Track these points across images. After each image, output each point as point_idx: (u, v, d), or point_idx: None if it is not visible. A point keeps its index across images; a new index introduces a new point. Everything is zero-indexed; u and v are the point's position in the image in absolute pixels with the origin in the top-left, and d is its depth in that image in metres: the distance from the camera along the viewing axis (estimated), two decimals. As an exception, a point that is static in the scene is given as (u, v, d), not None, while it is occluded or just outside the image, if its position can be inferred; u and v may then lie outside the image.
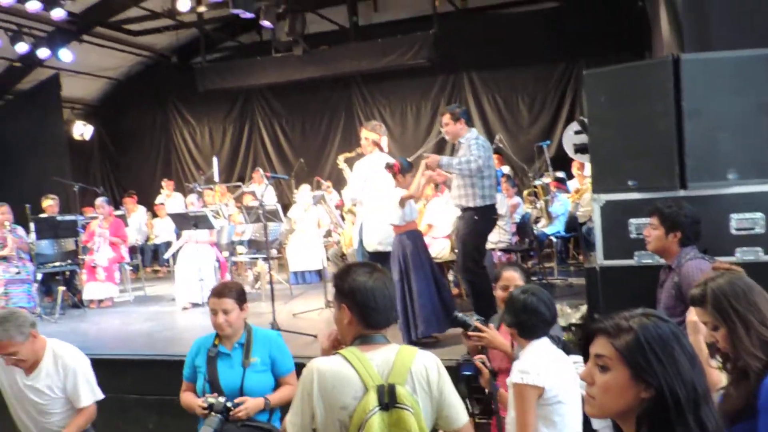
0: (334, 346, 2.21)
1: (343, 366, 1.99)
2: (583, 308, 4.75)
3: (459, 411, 2.13)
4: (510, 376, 2.76)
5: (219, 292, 3.26)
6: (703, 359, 2.71)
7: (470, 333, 3.20)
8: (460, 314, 3.33)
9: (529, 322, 2.74)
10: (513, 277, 3.40)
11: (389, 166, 5.27)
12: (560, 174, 8.98)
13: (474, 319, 3.28)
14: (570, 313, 4.73)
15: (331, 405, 1.96)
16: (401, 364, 2.01)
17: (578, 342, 3.52)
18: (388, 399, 1.94)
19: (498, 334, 3.20)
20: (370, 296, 2.05)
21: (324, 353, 2.19)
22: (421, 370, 2.03)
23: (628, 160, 3.97)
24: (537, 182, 8.89)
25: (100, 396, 3.49)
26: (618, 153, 4.01)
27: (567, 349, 3.23)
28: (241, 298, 3.28)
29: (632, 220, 3.95)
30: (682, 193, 3.83)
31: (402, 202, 5.17)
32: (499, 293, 3.45)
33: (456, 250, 5.95)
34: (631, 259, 4.01)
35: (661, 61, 3.91)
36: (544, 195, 8.65)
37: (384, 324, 2.10)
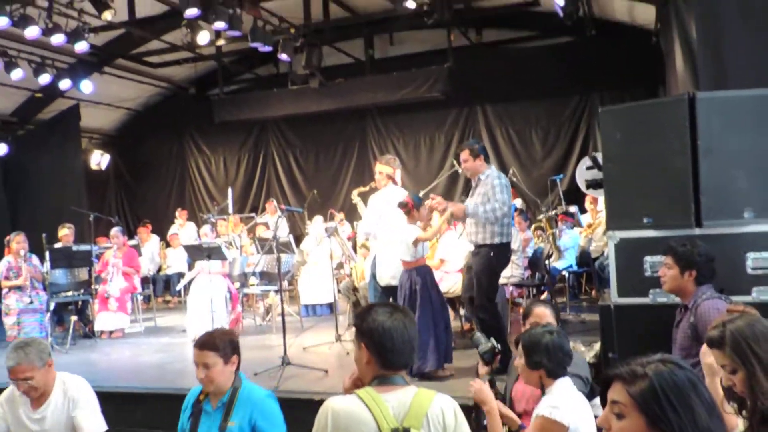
0: (356, 385, 2.19)
1: (358, 407, 1.96)
2: (597, 346, 4.66)
3: None
4: (538, 408, 2.74)
5: (202, 343, 2.97)
6: (718, 402, 2.64)
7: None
8: (479, 334, 3.30)
9: (557, 361, 2.76)
10: (544, 314, 3.35)
11: (403, 205, 5.28)
12: (573, 208, 8.94)
13: (490, 345, 3.22)
14: (583, 351, 4.64)
15: None
16: (418, 407, 1.99)
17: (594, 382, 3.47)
18: None
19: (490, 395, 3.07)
20: (387, 337, 2.03)
21: (345, 392, 2.18)
22: (438, 414, 2.00)
23: (643, 197, 3.94)
24: (542, 216, 8.87)
25: (104, 428, 3.42)
26: (633, 190, 4.00)
27: (594, 391, 3.18)
28: (228, 350, 2.98)
29: (647, 258, 3.91)
30: (697, 231, 3.79)
31: (416, 242, 5.20)
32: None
33: (463, 285, 5.93)
34: (646, 297, 3.96)
35: (677, 99, 3.91)
36: (551, 228, 8.61)
37: (402, 365, 2.08)
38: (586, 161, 9.11)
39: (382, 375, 2.05)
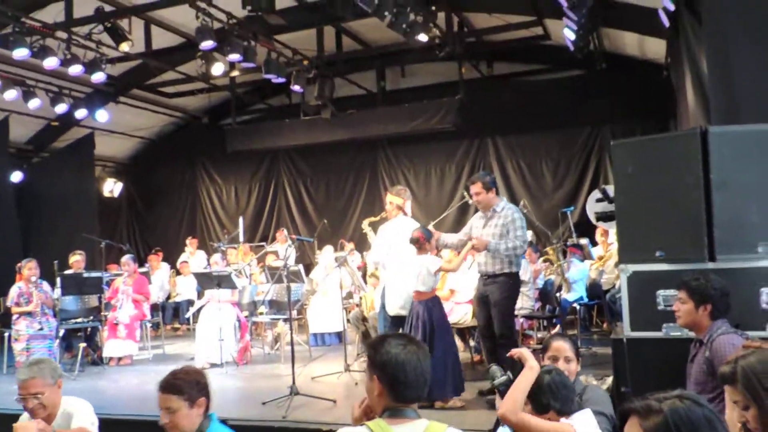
0: (366, 413, 2.17)
1: None
2: (609, 380, 4.60)
3: None
4: None
5: (164, 385, 2.75)
6: None
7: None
8: (495, 366, 3.27)
9: (563, 399, 2.76)
10: (562, 348, 3.31)
11: (415, 241, 5.32)
12: (584, 240, 8.91)
13: (506, 378, 3.19)
14: (596, 385, 4.58)
15: None
16: None
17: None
18: None
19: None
20: (400, 370, 2.01)
21: (355, 422, 2.16)
22: None
23: (656, 230, 3.94)
24: (548, 248, 8.85)
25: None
26: (645, 223, 3.99)
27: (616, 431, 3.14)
28: (194, 393, 2.75)
29: (660, 292, 3.88)
30: (710, 265, 3.76)
31: (438, 272, 5.27)
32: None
33: (477, 317, 5.90)
34: (659, 330, 3.92)
35: (690, 133, 3.92)
36: (558, 261, 8.58)
37: (414, 399, 2.06)
38: (597, 194, 9.15)
39: (394, 407, 2.02)
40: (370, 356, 2.10)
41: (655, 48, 8.81)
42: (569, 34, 7.62)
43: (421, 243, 5.31)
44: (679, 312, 3.48)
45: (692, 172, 3.79)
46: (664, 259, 3.91)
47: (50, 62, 8.35)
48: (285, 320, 8.28)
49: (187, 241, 12.08)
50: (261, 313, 8.73)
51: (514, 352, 2.91)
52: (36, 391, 3.17)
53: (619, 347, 4.04)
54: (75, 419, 3.29)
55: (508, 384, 3.15)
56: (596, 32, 9.06)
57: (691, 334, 3.51)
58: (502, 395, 3.15)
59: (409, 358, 2.03)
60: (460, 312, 6.65)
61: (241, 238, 10.88)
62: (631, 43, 9.58)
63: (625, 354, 3.97)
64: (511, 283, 5.33)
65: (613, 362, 4.15)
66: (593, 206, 8.02)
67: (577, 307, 8.15)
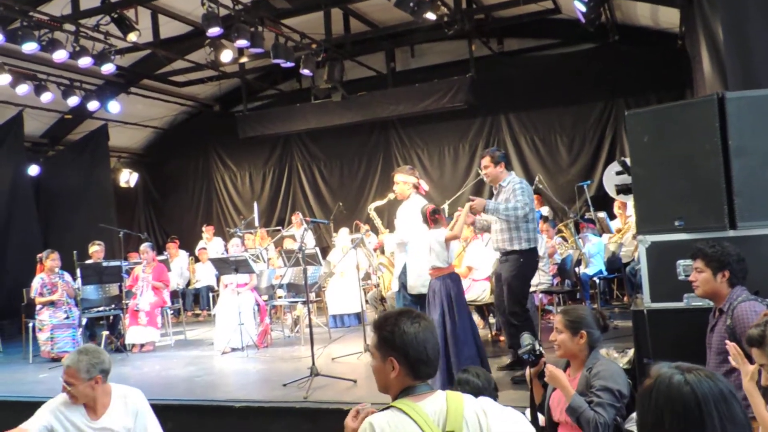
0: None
1: (402, 420, 1.94)
2: (631, 352, 4.58)
3: None
4: None
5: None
6: (758, 408, 2.58)
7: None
8: (528, 335, 3.33)
9: None
10: (555, 320, 3.35)
11: (430, 213, 5.30)
12: (602, 214, 8.85)
13: (529, 346, 3.28)
14: (617, 358, 4.56)
15: None
16: (454, 410, 1.97)
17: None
18: None
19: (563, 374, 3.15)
20: (422, 350, 2.00)
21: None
22: (472, 415, 1.99)
23: (674, 200, 3.88)
24: (561, 223, 8.80)
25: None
26: (663, 193, 3.94)
27: (635, 403, 3.14)
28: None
29: (680, 262, 3.83)
30: (731, 233, 3.71)
31: (447, 243, 5.22)
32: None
33: (494, 294, 5.89)
34: (680, 301, 3.88)
35: (706, 100, 3.84)
36: (571, 236, 8.54)
37: (432, 374, 2.07)
38: (615, 166, 9.04)
39: (412, 386, 2.02)
40: (386, 339, 2.04)
41: (669, 17, 8.66)
42: (579, 6, 7.50)
43: (433, 216, 5.30)
44: (696, 282, 3.43)
45: (710, 139, 3.73)
46: (683, 228, 3.87)
47: (59, 55, 8.38)
48: (303, 303, 8.32)
49: (204, 228, 12.17)
50: (279, 297, 8.78)
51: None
52: (68, 380, 3.21)
53: (640, 319, 4.02)
54: (147, 422, 3.37)
55: (530, 351, 3.21)
56: (608, 3, 8.91)
57: (713, 304, 3.48)
58: (527, 363, 3.23)
59: (426, 335, 2.02)
60: (478, 289, 6.64)
61: (257, 223, 10.92)
62: (643, 13, 9.41)
63: (646, 325, 3.94)
64: (522, 261, 5.23)
65: (634, 334, 4.13)
66: (612, 179, 7.92)
67: (597, 281, 8.11)
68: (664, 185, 3.95)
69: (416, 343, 2.00)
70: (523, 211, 5.12)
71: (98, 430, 3.27)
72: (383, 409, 2.00)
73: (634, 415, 3.12)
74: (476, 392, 2.80)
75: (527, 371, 3.38)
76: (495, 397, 3.04)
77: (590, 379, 3.11)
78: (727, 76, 4.79)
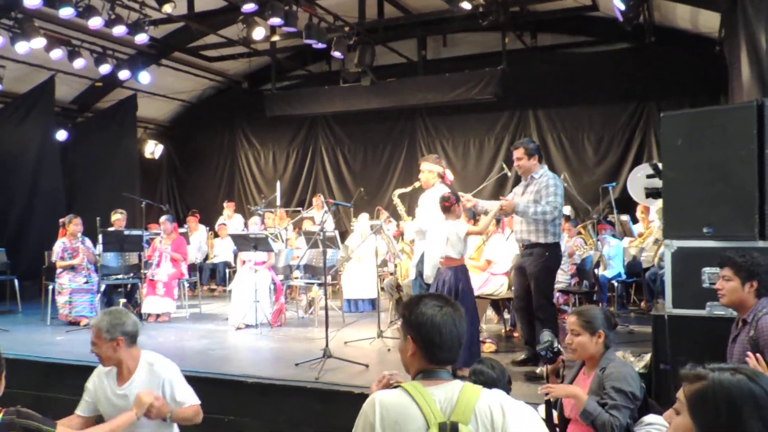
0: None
1: (405, 400, 1.93)
2: (647, 357, 4.55)
3: None
4: None
5: None
6: None
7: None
8: (547, 332, 3.37)
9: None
10: (570, 322, 3.33)
11: (446, 200, 5.29)
12: (624, 217, 8.76)
13: (547, 342, 3.32)
14: (633, 362, 4.53)
15: None
16: (465, 402, 1.94)
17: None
18: None
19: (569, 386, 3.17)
20: (435, 332, 1.99)
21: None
22: (486, 410, 1.95)
23: (704, 206, 3.83)
24: (580, 225, 8.73)
25: (198, 401, 3.36)
26: (693, 198, 3.88)
27: (647, 407, 3.12)
28: None
29: (706, 269, 3.79)
30: (760, 243, 3.66)
31: (466, 237, 5.22)
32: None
33: (512, 288, 5.87)
34: (702, 309, 3.84)
35: (745, 106, 3.78)
36: (590, 237, 8.47)
37: (449, 361, 2.04)
38: (640, 170, 8.95)
39: (428, 369, 2.01)
40: (404, 316, 2.07)
41: (708, 21, 8.48)
42: (619, 4, 7.37)
43: (451, 204, 5.29)
44: (723, 290, 3.39)
45: (746, 146, 3.67)
46: (712, 235, 3.81)
47: (95, 22, 8.43)
48: (320, 285, 8.36)
49: (225, 205, 12.24)
50: (296, 278, 8.82)
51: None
52: (93, 340, 3.22)
53: (660, 324, 3.98)
54: (175, 391, 3.26)
55: (549, 348, 3.23)
56: (647, 3, 8.76)
57: (736, 314, 3.43)
58: (545, 359, 3.24)
59: (444, 320, 2.00)
60: (495, 283, 6.61)
61: (278, 202, 10.95)
62: (683, 15, 9.24)
63: (666, 331, 3.90)
64: (548, 254, 5.25)
65: (653, 339, 4.10)
66: (640, 182, 7.86)
67: (615, 284, 8.04)
68: (695, 190, 3.89)
69: (431, 326, 1.99)
70: (552, 216, 5.16)
71: (121, 396, 3.25)
72: (393, 388, 2.01)
73: (646, 418, 3.10)
74: (490, 384, 2.80)
75: (544, 368, 3.37)
76: (508, 390, 3.04)
77: (603, 379, 3.09)
78: (766, 84, 4.69)
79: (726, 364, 1.54)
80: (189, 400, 3.30)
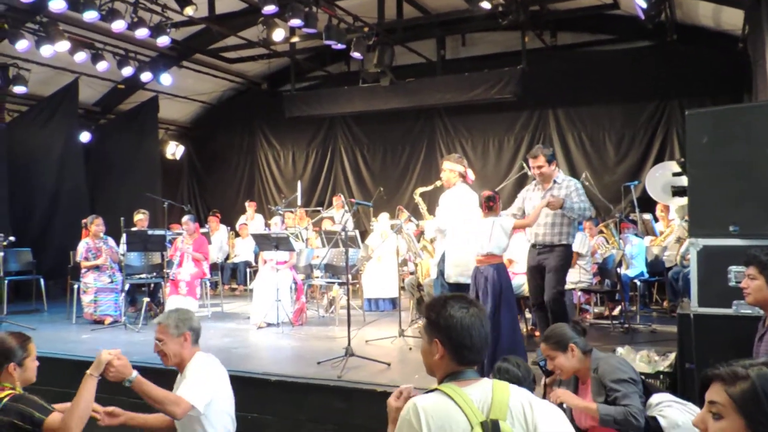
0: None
1: (446, 403, 1.94)
2: (672, 356, 4.52)
3: None
4: None
5: None
6: None
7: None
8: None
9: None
10: (543, 350, 3.38)
11: (490, 199, 5.35)
12: (647, 216, 8.69)
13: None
14: (658, 361, 4.51)
15: None
16: (500, 398, 1.96)
17: (664, 387, 3.40)
18: None
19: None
20: (466, 335, 1.99)
21: (394, 412, 2.08)
22: (518, 405, 1.98)
23: (731, 204, 3.80)
24: (602, 224, 8.69)
25: (193, 402, 3.09)
26: (719, 196, 3.85)
27: (648, 388, 3.17)
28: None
29: (732, 268, 3.76)
30: (787, 241, 3.62)
31: (513, 231, 5.40)
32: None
33: (529, 288, 5.96)
34: (729, 307, 3.81)
35: (771, 103, 3.74)
36: (612, 236, 8.41)
37: (477, 362, 2.06)
38: (659, 169, 8.87)
39: (457, 371, 2.02)
40: (430, 319, 2.05)
41: (731, 18, 8.40)
42: (641, 2, 7.33)
43: (488, 203, 5.35)
44: (748, 289, 3.36)
45: (774, 144, 3.63)
46: (738, 233, 3.78)
47: (118, 25, 8.55)
48: (340, 284, 8.40)
49: (246, 204, 12.33)
50: (316, 277, 8.87)
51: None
52: (159, 337, 3.25)
53: (686, 323, 3.95)
54: (183, 386, 3.18)
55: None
56: (669, 1, 8.69)
57: (762, 313, 3.40)
58: (543, 372, 3.29)
59: (473, 321, 2.01)
60: (518, 281, 6.60)
61: (299, 202, 11.00)
62: (705, 13, 9.15)
63: (692, 330, 3.88)
64: (568, 254, 5.52)
65: (678, 338, 4.07)
66: (659, 181, 7.83)
67: (638, 284, 7.99)
68: (721, 188, 3.86)
69: (460, 328, 1.99)
70: (590, 212, 5.55)
71: None
72: (428, 392, 2.00)
73: (653, 399, 3.16)
74: (516, 382, 2.81)
75: (543, 380, 3.42)
76: (532, 389, 3.05)
77: (600, 379, 3.14)
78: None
79: (756, 360, 1.52)
80: (184, 394, 3.09)
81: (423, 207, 6.91)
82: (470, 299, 2.10)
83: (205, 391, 3.17)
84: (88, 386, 2.84)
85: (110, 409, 3.13)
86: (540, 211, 5.33)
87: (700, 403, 1.59)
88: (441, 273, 5.80)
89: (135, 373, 2.99)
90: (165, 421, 3.31)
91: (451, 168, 5.88)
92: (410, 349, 6.36)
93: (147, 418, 3.37)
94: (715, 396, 1.51)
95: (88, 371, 2.88)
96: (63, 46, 8.97)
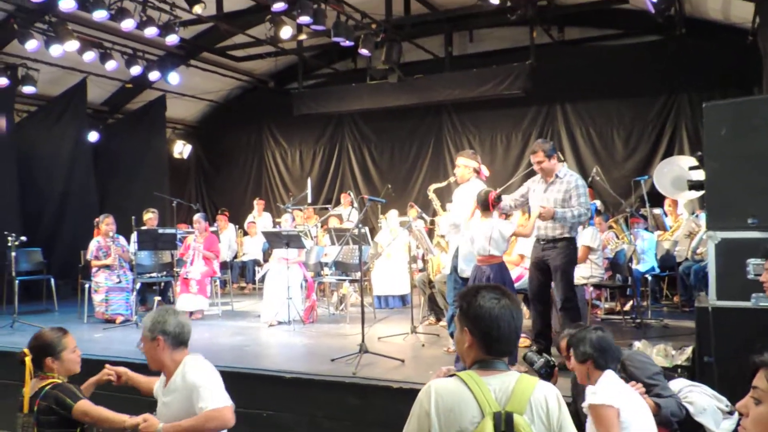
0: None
1: (460, 388, 1.95)
2: (688, 350, 4.51)
3: None
4: (584, 402, 2.93)
5: None
6: None
7: None
8: (530, 353, 3.52)
9: (604, 352, 3.03)
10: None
11: (487, 200, 5.27)
12: (657, 210, 8.67)
13: (544, 360, 3.43)
14: (675, 355, 4.50)
15: (448, 427, 1.92)
16: (521, 392, 1.95)
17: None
18: (505, 428, 1.89)
19: None
20: (494, 325, 1.99)
21: None
22: (541, 401, 1.96)
23: (749, 196, 3.79)
24: (611, 219, 8.66)
25: (227, 402, 3.01)
26: (737, 189, 3.84)
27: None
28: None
29: (750, 261, 3.75)
30: (807, 234, 3.60)
31: (511, 237, 5.35)
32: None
33: (529, 281, 5.91)
34: (747, 300, 3.80)
35: (790, 95, 3.72)
36: (622, 231, 8.38)
37: (505, 353, 2.06)
38: (666, 164, 8.83)
39: (485, 360, 2.02)
40: (462, 308, 2.07)
41: (741, 12, 8.36)
42: (651, -4, 7.30)
43: (496, 204, 5.30)
44: (767, 282, 3.36)
45: (792, 136, 3.62)
46: (756, 226, 3.77)
47: (127, 24, 8.56)
48: (351, 282, 8.40)
49: (255, 203, 12.34)
50: (326, 275, 8.87)
51: None
52: (141, 338, 3.13)
53: (704, 316, 3.94)
54: (200, 398, 2.95)
55: (547, 365, 3.32)
56: (680, -6, 8.66)
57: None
58: (544, 377, 3.31)
59: (502, 312, 2.00)
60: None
61: (309, 200, 11.00)
62: (714, 6, 9.11)
63: (710, 323, 3.87)
64: (572, 247, 5.43)
65: (696, 331, 4.06)
66: (667, 176, 7.81)
67: (648, 278, 7.97)
68: (739, 181, 3.86)
69: (489, 318, 1.99)
70: (586, 217, 5.37)
71: (164, 404, 3.12)
72: (449, 376, 2.03)
73: (674, 386, 3.24)
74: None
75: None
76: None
77: (630, 379, 3.17)
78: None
79: None
80: (209, 404, 2.93)
81: (437, 203, 6.90)
82: (504, 290, 2.10)
83: (221, 386, 3.08)
84: (117, 418, 3.05)
85: (121, 370, 3.39)
86: (534, 223, 5.30)
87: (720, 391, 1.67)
88: (455, 268, 5.79)
89: (160, 425, 2.97)
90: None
91: (465, 164, 5.88)
92: (423, 345, 6.36)
93: (150, 381, 3.38)
94: (758, 382, 1.54)
95: (123, 419, 3.03)
96: (72, 45, 8.99)
